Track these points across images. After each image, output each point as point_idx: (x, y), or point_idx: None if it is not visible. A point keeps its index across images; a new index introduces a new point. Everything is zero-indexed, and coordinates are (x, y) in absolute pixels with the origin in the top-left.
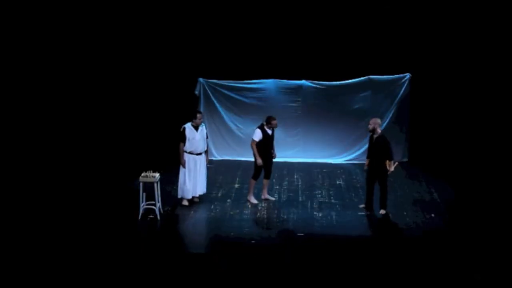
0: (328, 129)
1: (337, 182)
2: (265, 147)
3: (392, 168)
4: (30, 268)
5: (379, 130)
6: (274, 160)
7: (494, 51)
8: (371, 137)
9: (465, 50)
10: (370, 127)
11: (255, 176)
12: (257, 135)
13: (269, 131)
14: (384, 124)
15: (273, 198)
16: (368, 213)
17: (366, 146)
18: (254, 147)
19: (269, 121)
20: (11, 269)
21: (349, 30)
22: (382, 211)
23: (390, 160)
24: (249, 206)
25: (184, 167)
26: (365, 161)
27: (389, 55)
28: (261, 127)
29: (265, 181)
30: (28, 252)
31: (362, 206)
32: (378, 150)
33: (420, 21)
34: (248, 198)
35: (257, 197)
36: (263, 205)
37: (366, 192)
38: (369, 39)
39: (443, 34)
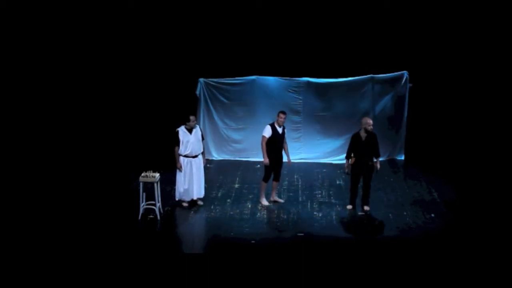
0: (328, 129)
1: (337, 182)
2: (274, 147)
3: (378, 166)
4: (30, 268)
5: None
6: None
7: (492, 49)
8: (359, 136)
9: (463, 48)
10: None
11: (266, 178)
12: (267, 131)
13: (279, 129)
14: (386, 122)
15: (282, 200)
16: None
17: None
18: (264, 144)
19: (277, 116)
20: (11, 269)
21: (349, 29)
22: (367, 208)
23: (378, 157)
24: (261, 208)
25: (180, 170)
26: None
27: (387, 54)
28: (271, 124)
29: (274, 183)
30: (28, 252)
31: (350, 206)
32: (369, 147)
33: (418, 19)
34: (260, 200)
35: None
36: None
37: (352, 190)
38: (368, 38)
39: (441, 32)
